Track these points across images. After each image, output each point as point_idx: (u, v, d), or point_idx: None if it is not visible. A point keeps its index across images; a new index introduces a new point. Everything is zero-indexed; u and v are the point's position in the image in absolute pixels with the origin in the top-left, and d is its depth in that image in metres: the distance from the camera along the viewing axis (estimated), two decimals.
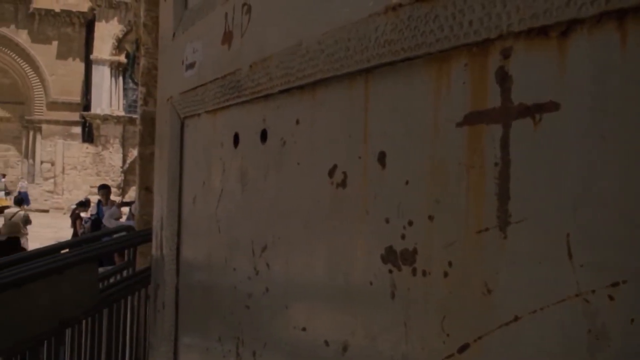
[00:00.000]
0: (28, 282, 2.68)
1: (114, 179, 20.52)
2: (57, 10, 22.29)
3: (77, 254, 3.13)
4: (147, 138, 5.41)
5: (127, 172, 22.06)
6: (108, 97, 21.89)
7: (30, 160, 22.49)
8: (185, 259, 1.49)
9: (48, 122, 22.26)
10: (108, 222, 8.97)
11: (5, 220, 11.08)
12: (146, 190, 5.47)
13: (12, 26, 22.35)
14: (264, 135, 1.08)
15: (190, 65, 1.42)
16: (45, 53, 22.39)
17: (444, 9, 0.65)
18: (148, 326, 4.00)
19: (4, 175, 21.99)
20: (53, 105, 22.38)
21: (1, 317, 2.50)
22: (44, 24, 22.47)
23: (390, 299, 0.74)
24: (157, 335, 1.60)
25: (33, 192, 19.22)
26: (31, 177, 22.31)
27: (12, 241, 7.07)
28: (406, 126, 0.72)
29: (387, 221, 0.75)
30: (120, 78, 22.45)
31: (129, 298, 3.87)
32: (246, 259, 1.13)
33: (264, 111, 1.08)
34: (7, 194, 20.69)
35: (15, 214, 11.01)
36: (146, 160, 5.42)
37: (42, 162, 22.15)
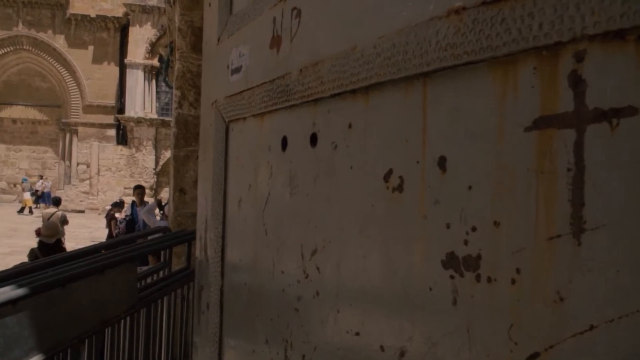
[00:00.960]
0: (72, 282, 2.75)
1: (146, 181, 20.92)
2: (93, 15, 22.88)
3: (117, 255, 3.19)
4: (181, 140, 5.50)
5: (159, 173, 22.47)
6: (141, 100, 22.35)
7: (67, 162, 23.12)
8: (230, 261, 1.50)
9: (84, 124, 22.86)
10: (146, 217, 9.16)
11: (43, 220, 11.41)
12: (180, 192, 5.55)
13: (50, 32, 23.04)
14: (313, 139, 1.09)
15: (236, 70, 1.43)
16: (82, 57, 23.00)
17: (511, 12, 0.64)
18: (185, 326, 4.05)
19: (41, 177, 22.66)
20: (89, 109, 22.97)
21: (46, 315, 2.57)
22: (80, 29, 23.09)
23: (451, 305, 0.73)
24: (202, 336, 1.62)
25: (69, 193, 19.75)
26: (68, 178, 22.93)
27: (56, 242, 7.31)
28: (468, 130, 0.72)
29: (448, 226, 0.74)
30: (153, 81, 22.89)
31: (165, 298, 3.94)
32: (295, 262, 1.13)
33: (314, 115, 1.08)
34: (33, 194, 21.37)
35: (53, 214, 11.34)
36: (180, 162, 5.51)
37: (78, 164, 22.75)
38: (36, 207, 21.28)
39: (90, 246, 3.68)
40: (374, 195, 0.89)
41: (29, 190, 21.07)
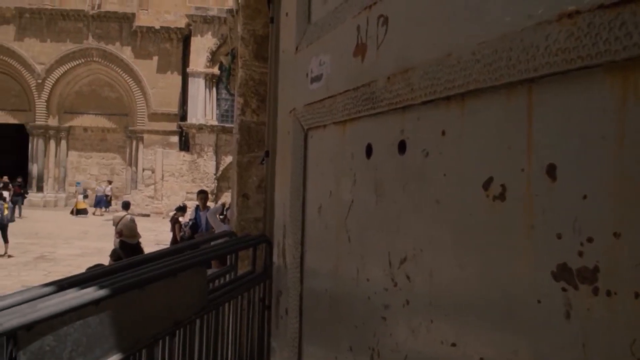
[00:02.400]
0: (148, 284, 2.85)
1: (207, 185, 21.47)
2: (157, 27, 23.78)
3: (189, 258, 3.29)
4: (244, 147, 5.60)
5: (219, 178, 23.01)
6: (203, 107, 22.99)
7: (133, 168, 24.11)
8: (310, 267, 1.51)
9: (149, 132, 23.77)
10: (211, 219, 9.41)
11: (114, 223, 11.93)
12: (243, 197, 5.65)
13: (118, 44, 24.12)
14: (402, 147, 1.08)
15: (316, 78, 1.45)
16: (147, 67, 23.96)
17: (632, 16, 0.61)
18: (251, 329, 4.12)
19: (110, 182, 23.72)
20: (153, 116, 23.87)
21: (125, 316, 2.68)
22: (146, 40, 24.05)
23: (564, 319, 0.70)
24: (280, 340, 1.64)
25: (136, 198, 20.57)
26: (134, 183, 23.89)
27: (137, 243, 7.71)
28: (582, 137, 0.69)
29: (559, 237, 0.72)
30: (214, 89, 23.50)
31: (232, 301, 4.02)
32: (382, 270, 1.13)
33: (402, 122, 1.08)
34: (86, 197, 22.38)
35: (122, 217, 11.83)
36: (243, 167, 5.61)
37: (143, 170, 23.66)
38: (106, 211, 22.35)
39: (163, 249, 3.81)
40: (472, 203, 0.88)
41: (81, 194, 22.15)
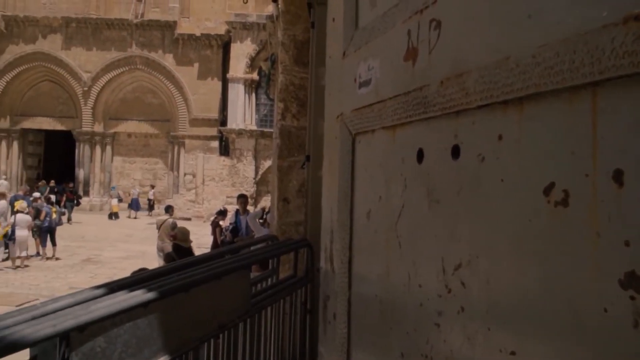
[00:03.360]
0: (194, 287, 2.91)
1: (247, 190, 21.72)
2: (198, 34, 24.29)
3: (233, 262, 3.33)
4: (285, 151, 5.65)
5: (258, 182, 23.26)
6: (242, 112, 23.31)
7: (175, 173, 24.65)
8: (358, 272, 1.51)
9: (190, 137, 24.26)
10: (251, 223, 9.55)
11: (157, 227, 12.22)
12: (284, 201, 5.70)
13: (160, 51, 24.75)
14: (455, 151, 1.07)
15: (365, 83, 1.45)
16: (188, 74, 24.49)
17: None
18: (293, 333, 4.14)
19: (152, 187, 24.34)
20: (194, 122, 24.36)
21: (172, 318, 2.74)
22: (187, 47, 24.59)
23: (632, 328, 0.68)
24: (328, 346, 1.64)
25: (177, 202, 21.01)
26: (176, 187, 24.42)
27: (190, 249, 7.91)
28: None
29: (627, 244, 0.69)
30: (253, 94, 23.80)
31: (275, 305, 4.05)
32: (435, 276, 1.12)
33: (456, 127, 1.07)
34: (120, 200, 22.95)
35: (165, 221, 12.10)
36: (284, 172, 5.65)
37: (185, 174, 24.16)
38: (150, 215, 22.95)
39: (206, 253, 3.88)
40: (531, 209, 0.86)
41: (116, 197, 22.77)
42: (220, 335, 3.48)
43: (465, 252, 1.03)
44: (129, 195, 24.56)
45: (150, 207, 23.85)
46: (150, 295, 2.58)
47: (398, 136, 1.31)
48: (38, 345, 1.78)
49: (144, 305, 2.55)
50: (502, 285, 0.93)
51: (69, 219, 19.98)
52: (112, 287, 2.40)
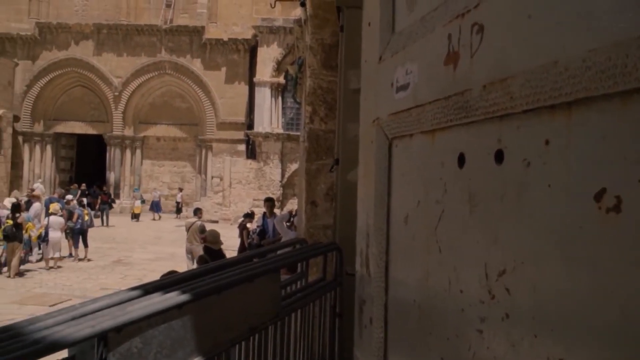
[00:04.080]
0: (226, 289, 2.93)
1: (273, 192, 21.84)
2: (225, 39, 24.58)
3: (263, 265, 3.35)
4: (313, 154, 5.66)
5: (285, 185, 23.37)
6: (269, 116, 23.47)
7: (203, 176, 24.96)
8: (395, 277, 1.51)
9: (217, 140, 24.55)
10: (278, 226, 9.63)
11: (186, 229, 12.39)
12: (312, 204, 5.70)
13: (188, 56, 25.13)
14: (499, 156, 1.06)
15: (402, 87, 1.45)
16: (215, 78, 24.79)
17: None
18: (323, 337, 4.15)
19: (180, 190, 24.69)
20: (222, 126, 24.65)
21: (205, 320, 2.77)
22: (214, 52, 24.91)
23: None
24: (364, 350, 1.64)
25: (205, 204, 21.21)
26: (203, 190, 24.71)
27: (220, 251, 8.03)
28: None
29: None
30: (279, 98, 23.94)
31: (304, 308, 4.06)
32: (477, 282, 1.11)
33: (499, 131, 1.06)
34: (143, 202, 23.27)
35: (193, 223, 12.25)
36: (312, 175, 5.66)
37: (212, 177, 24.44)
38: (178, 217, 23.28)
39: (236, 256, 3.92)
40: (581, 215, 0.85)
41: (139, 199, 23.12)
42: (251, 338, 3.50)
43: (509, 258, 1.02)
44: (165, 198, 25.05)
45: (178, 210, 24.17)
46: (184, 297, 2.62)
47: (437, 140, 1.30)
48: (77, 346, 1.81)
49: (179, 307, 2.59)
50: (549, 292, 0.91)
51: (106, 223, 20.28)
52: (147, 289, 2.44)
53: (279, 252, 4.42)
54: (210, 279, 3.02)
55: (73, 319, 1.86)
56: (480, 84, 1.08)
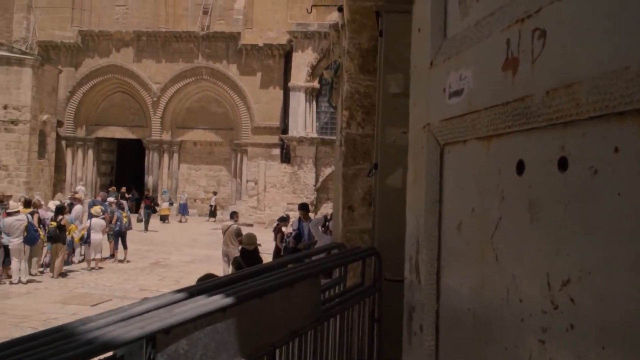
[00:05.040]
0: (268, 293, 2.96)
1: (307, 197, 21.91)
2: (261, 44, 24.86)
3: (304, 269, 3.37)
4: (350, 159, 5.66)
5: (319, 190, 23.41)
6: (303, 120, 23.59)
7: (238, 180, 25.25)
8: (447, 285, 1.49)
9: (252, 145, 24.82)
10: (313, 230, 9.69)
11: (222, 232, 12.55)
12: (349, 208, 5.69)
13: (224, 62, 25.52)
14: (562, 164, 1.04)
15: (456, 93, 1.44)
16: (251, 84, 25.09)
17: None
18: (361, 342, 4.13)
19: (215, 193, 25.04)
20: (257, 130, 24.91)
21: (247, 324, 2.80)
22: (250, 57, 25.22)
23: None
24: (413, 357, 1.63)
25: (240, 208, 21.44)
26: (238, 194, 25.00)
27: (256, 249, 8.14)
28: None
29: None
30: (314, 102, 24.04)
31: (343, 313, 4.05)
32: (538, 291, 1.09)
33: (563, 138, 1.04)
34: (171, 204, 23.57)
35: (229, 226, 12.40)
36: (349, 180, 5.66)
37: (247, 181, 24.71)
38: (214, 220, 23.62)
39: (275, 260, 3.95)
40: None
41: (167, 201, 23.44)
42: (293, 342, 3.51)
43: (574, 267, 0.99)
44: (195, 201, 25.43)
45: (212, 213, 24.48)
46: (228, 300, 2.66)
47: (493, 147, 1.28)
48: (126, 346, 1.86)
49: (223, 310, 2.62)
50: (619, 302, 0.89)
51: (146, 228, 20.31)
52: (192, 292, 2.48)
53: (314, 257, 4.43)
54: (252, 283, 3.05)
55: (122, 320, 1.91)
56: (542, 90, 1.07)
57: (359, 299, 4.18)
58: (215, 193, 25.25)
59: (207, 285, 2.77)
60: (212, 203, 24.84)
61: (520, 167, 1.17)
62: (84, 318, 1.79)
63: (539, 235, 1.10)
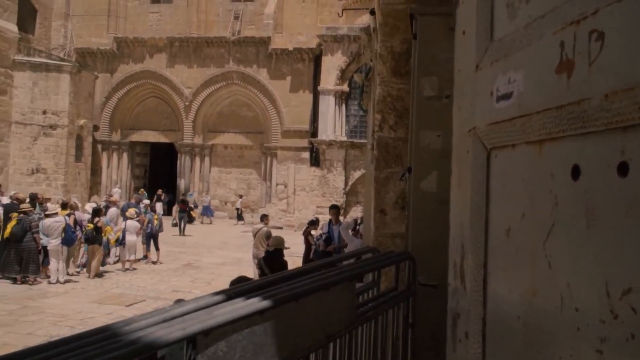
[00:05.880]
0: (303, 297, 2.96)
1: (336, 200, 21.88)
2: (290, 48, 25.01)
3: (340, 273, 3.36)
4: (382, 162, 5.63)
5: (348, 193, 23.37)
6: (332, 124, 23.59)
7: (268, 183, 25.42)
8: (495, 291, 1.46)
9: (282, 148, 24.95)
10: (344, 233, 9.68)
11: (252, 235, 12.65)
12: (381, 212, 5.66)
13: (255, 66, 25.75)
14: (622, 168, 1.01)
15: (504, 96, 1.41)
16: (281, 87, 25.26)
17: None
18: (395, 348, 4.09)
19: (240, 196, 25.26)
20: (286, 133, 25.03)
21: (284, 327, 2.80)
22: (280, 62, 25.39)
23: None
24: None
25: (270, 211, 21.55)
26: (268, 197, 25.15)
27: (278, 252, 8.18)
28: None
29: None
30: (343, 106, 24.02)
31: (378, 317, 4.02)
32: (596, 300, 1.06)
33: (623, 143, 1.01)
34: (195, 207, 23.72)
35: (259, 229, 12.49)
36: (381, 183, 5.62)
37: (277, 184, 24.84)
38: (242, 223, 23.81)
39: (311, 264, 3.95)
40: None
41: (192, 204, 23.61)
42: (329, 346, 3.51)
43: (636, 275, 0.96)
44: (226, 204, 25.70)
45: (239, 217, 24.65)
46: (265, 303, 2.67)
47: (546, 151, 1.26)
48: (168, 347, 1.88)
49: (260, 312, 2.63)
50: None
51: (181, 232, 20.01)
52: (230, 294, 2.50)
53: (345, 262, 4.41)
54: (288, 286, 3.06)
55: (164, 321, 1.93)
56: (601, 94, 1.04)
57: (393, 303, 4.14)
58: (241, 196, 25.46)
59: (244, 288, 2.78)
60: (238, 206, 25.04)
61: (576, 172, 1.14)
62: (127, 319, 1.82)
63: (596, 242, 1.07)
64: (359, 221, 11.42)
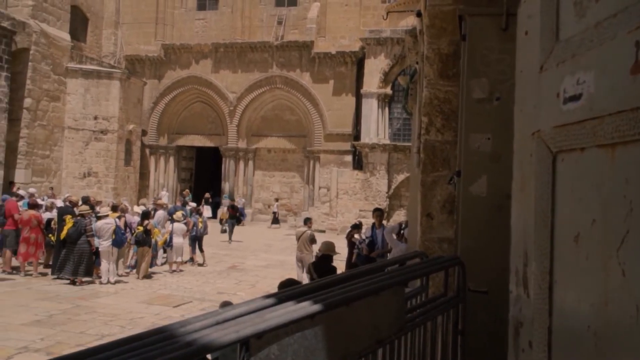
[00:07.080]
0: (354, 301, 2.95)
1: (379, 204, 21.75)
2: (333, 52, 25.07)
3: (390, 277, 3.33)
4: (429, 166, 5.55)
5: (391, 197, 23.19)
6: (375, 127, 23.49)
7: (311, 186, 25.52)
8: (562, 300, 1.42)
9: (325, 152, 25.01)
10: (388, 237, 9.61)
11: (296, 238, 12.71)
12: (427, 216, 5.58)
13: (298, 70, 25.94)
14: None
15: (572, 98, 1.37)
16: (323, 91, 25.34)
17: None
18: (445, 356, 4.02)
19: (277, 200, 25.45)
20: (329, 137, 25.08)
21: (335, 331, 2.80)
22: (323, 65, 25.49)
23: None
24: None
25: (312, 214, 21.62)
26: (311, 200, 25.25)
27: (327, 257, 8.19)
28: None
29: None
30: (386, 108, 23.89)
31: (427, 323, 3.96)
32: None
33: None
34: (243, 216, 23.73)
35: (303, 232, 12.54)
36: (427, 187, 5.54)
37: (319, 188, 24.91)
38: (278, 227, 23.97)
39: (359, 268, 3.93)
40: None
41: (226, 206, 23.74)
42: (378, 351, 3.48)
43: None
44: (269, 207, 25.95)
45: (275, 220, 24.77)
46: (316, 307, 2.67)
47: (619, 155, 1.21)
48: (221, 350, 1.90)
49: (311, 316, 2.63)
50: None
51: (230, 238, 19.44)
52: (280, 298, 2.51)
53: (388, 268, 4.35)
54: (338, 290, 3.05)
55: (217, 323, 1.96)
56: None
57: (442, 309, 4.07)
58: (277, 200, 25.63)
59: (294, 291, 2.79)
60: (275, 210, 25.17)
61: None
62: (183, 320, 1.86)
63: None
64: (403, 225, 11.31)
